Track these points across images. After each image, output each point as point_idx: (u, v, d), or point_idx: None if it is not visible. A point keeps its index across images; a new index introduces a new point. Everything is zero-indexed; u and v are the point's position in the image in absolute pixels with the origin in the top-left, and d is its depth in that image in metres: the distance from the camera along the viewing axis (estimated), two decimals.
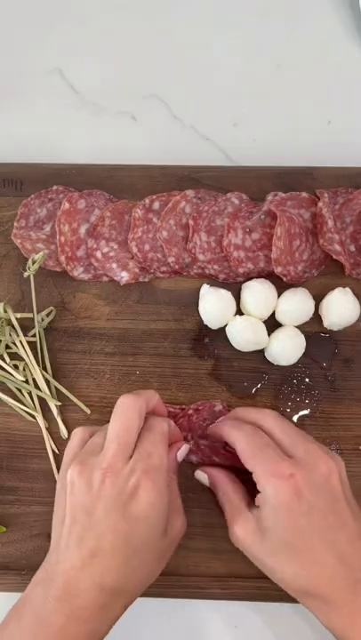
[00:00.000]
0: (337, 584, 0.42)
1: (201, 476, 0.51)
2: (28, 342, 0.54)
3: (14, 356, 0.54)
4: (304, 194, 0.56)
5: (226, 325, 0.55)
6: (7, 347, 0.54)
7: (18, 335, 0.54)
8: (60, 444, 0.54)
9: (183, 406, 0.54)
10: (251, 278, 0.56)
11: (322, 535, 0.43)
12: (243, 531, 0.45)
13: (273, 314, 0.55)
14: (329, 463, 0.44)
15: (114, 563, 0.42)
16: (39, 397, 0.54)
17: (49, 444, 0.54)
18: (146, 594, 0.52)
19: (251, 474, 0.45)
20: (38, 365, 0.54)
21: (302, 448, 0.45)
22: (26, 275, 0.53)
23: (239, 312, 0.55)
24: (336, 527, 0.43)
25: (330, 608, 0.43)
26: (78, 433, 0.48)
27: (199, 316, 0.55)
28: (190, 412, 0.53)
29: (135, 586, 0.44)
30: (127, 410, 0.45)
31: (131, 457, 0.44)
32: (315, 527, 0.43)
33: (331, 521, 0.43)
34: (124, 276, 0.56)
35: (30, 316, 0.55)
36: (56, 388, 0.55)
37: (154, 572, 0.45)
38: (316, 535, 0.43)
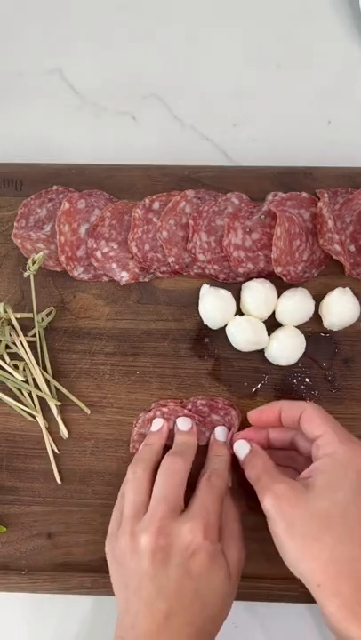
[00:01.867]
0: (353, 583, 0.39)
1: (242, 446, 0.49)
2: (28, 342, 0.54)
3: (14, 356, 0.54)
4: (304, 194, 0.56)
5: (226, 325, 0.55)
6: (7, 347, 0.54)
7: (18, 335, 0.54)
8: (60, 443, 0.54)
9: (183, 400, 0.54)
10: (251, 278, 0.56)
11: None
12: (285, 489, 0.42)
13: (273, 314, 0.55)
14: None
15: (187, 619, 0.42)
16: (39, 397, 0.54)
17: (49, 444, 0.54)
18: None
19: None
20: (38, 365, 0.54)
21: None
22: (26, 275, 0.53)
23: (239, 312, 0.55)
24: None
25: (337, 603, 0.39)
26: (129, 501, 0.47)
27: (199, 315, 0.55)
28: (190, 405, 0.53)
29: (211, 631, 0.43)
30: (176, 472, 0.46)
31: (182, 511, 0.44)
32: None
33: None
34: (124, 276, 0.56)
35: (30, 316, 0.55)
36: (56, 387, 0.55)
37: (225, 613, 0.45)
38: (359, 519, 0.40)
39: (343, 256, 0.54)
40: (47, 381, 0.54)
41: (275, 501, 0.42)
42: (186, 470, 0.47)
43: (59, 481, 0.54)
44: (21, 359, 0.54)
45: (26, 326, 0.55)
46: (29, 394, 0.54)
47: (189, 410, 0.53)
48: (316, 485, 0.42)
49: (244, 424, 0.52)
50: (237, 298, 0.55)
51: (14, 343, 0.54)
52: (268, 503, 0.42)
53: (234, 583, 0.45)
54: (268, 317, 0.55)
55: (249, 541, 0.47)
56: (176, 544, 0.43)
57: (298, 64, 0.64)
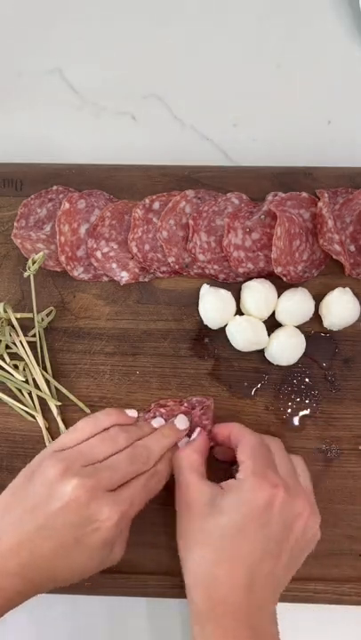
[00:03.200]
0: (232, 599, 0.42)
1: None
2: (28, 342, 0.54)
3: (14, 356, 0.54)
4: (304, 194, 0.56)
5: (226, 325, 0.55)
6: (7, 347, 0.54)
7: (18, 335, 0.54)
8: None
9: (182, 400, 0.54)
10: (251, 278, 0.56)
11: (254, 551, 0.42)
12: (198, 496, 0.45)
13: (273, 314, 0.55)
14: (306, 509, 0.44)
15: (48, 567, 0.43)
16: (39, 397, 0.54)
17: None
18: (147, 594, 0.52)
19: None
20: (38, 365, 0.54)
21: (293, 480, 0.45)
22: (26, 275, 0.53)
23: (239, 312, 0.55)
24: (269, 557, 0.43)
25: (209, 615, 0.42)
26: (87, 428, 0.47)
27: (199, 315, 0.55)
28: (186, 404, 0.53)
29: (56, 586, 0.44)
30: (137, 469, 0.46)
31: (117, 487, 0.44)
32: (255, 541, 0.43)
33: (270, 549, 0.43)
34: (124, 276, 0.56)
35: (30, 316, 0.55)
36: (56, 387, 0.55)
37: (67, 584, 0.45)
38: (249, 547, 0.42)
39: (343, 256, 0.54)
40: (47, 381, 0.54)
41: (180, 510, 0.46)
42: (143, 470, 0.47)
43: None
44: (21, 359, 0.54)
45: (26, 326, 0.55)
46: (29, 394, 0.54)
47: (186, 407, 0.53)
48: (217, 504, 0.44)
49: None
50: (237, 298, 0.55)
51: (14, 343, 0.54)
52: (177, 506, 0.46)
53: (97, 569, 0.45)
54: (268, 317, 0.55)
55: None
56: (90, 510, 0.42)
57: (298, 64, 0.64)
